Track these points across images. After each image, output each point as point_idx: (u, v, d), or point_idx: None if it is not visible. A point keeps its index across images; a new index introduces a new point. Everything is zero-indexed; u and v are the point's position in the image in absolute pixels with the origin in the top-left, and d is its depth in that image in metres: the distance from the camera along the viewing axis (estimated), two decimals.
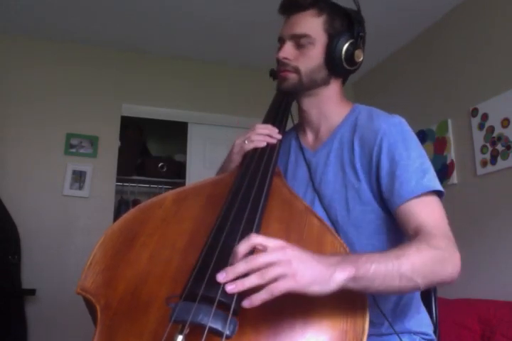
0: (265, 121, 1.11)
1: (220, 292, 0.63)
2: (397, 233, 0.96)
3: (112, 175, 3.16)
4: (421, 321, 1.03)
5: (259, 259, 0.63)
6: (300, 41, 1.03)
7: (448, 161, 2.66)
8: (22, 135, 2.98)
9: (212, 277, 0.64)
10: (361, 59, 1.06)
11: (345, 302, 0.71)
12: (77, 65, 3.21)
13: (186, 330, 0.61)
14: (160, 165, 3.69)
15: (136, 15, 2.89)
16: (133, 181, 3.68)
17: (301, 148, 1.12)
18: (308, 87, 1.06)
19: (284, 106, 1.13)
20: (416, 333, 0.99)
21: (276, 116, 1.12)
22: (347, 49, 1.02)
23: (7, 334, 2.52)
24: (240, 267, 0.62)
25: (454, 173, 2.61)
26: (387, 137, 0.97)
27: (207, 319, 0.60)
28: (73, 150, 3.06)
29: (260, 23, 2.94)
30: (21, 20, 2.95)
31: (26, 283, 2.74)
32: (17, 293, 2.68)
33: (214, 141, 3.38)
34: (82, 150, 3.08)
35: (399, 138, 0.97)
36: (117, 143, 3.23)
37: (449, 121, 2.71)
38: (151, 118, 3.41)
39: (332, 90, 1.09)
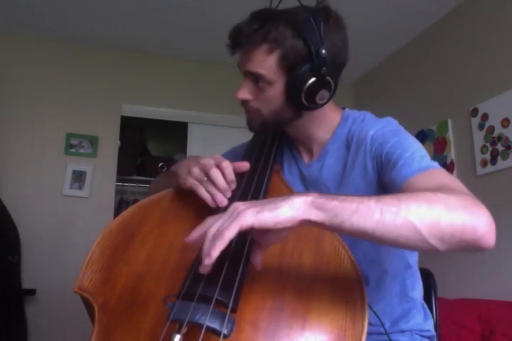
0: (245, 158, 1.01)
1: (217, 291, 0.63)
2: None
3: (112, 175, 3.16)
4: (422, 319, 1.02)
5: (212, 228, 0.63)
6: (256, 79, 0.90)
7: (448, 161, 2.66)
8: (22, 135, 2.98)
9: (209, 276, 0.64)
10: (325, 100, 0.92)
11: (345, 300, 0.71)
12: (77, 64, 3.20)
13: (184, 329, 0.61)
14: (160, 165, 3.68)
15: (136, 15, 2.89)
16: (133, 181, 3.67)
17: (295, 158, 1.07)
18: (277, 125, 0.97)
19: (269, 143, 1.06)
20: (416, 330, 0.99)
21: (253, 154, 1.03)
22: (307, 91, 0.88)
23: (7, 334, 2.52)
24: (206, 244, 0.62)
25: (454, 173, 2.60)
26: (374, 140, 0.92)
27: (204, 318, 0.60)
28: (73, 150, 3.06)
29: None
30: (21, 20, 2.95)
31: (26, 283, 2.74)
32: (17, 293, 2.68)
33: (214, 141, 3.38)
34: (82, 150, 3.08)
35: (388, 135, 0.92)
36: (117, 143, 3.23)
37: (449, 121, 2.71)
38: (151, 118, 3.41)
39: (310, 117, 0.98)
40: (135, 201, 3.67)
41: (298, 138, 1.04)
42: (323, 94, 0.90)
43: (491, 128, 2.39)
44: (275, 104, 0.92)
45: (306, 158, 1.06)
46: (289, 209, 0.61)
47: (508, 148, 2.28)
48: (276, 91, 0.90)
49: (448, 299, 2.18)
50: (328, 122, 1.01)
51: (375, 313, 0.87)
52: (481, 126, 2.47)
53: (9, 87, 3.01)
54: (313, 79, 0.87)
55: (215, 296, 0.63)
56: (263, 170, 0.93)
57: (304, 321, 0.67)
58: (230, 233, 0.60)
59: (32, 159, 2.97)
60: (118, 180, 3.28)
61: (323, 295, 0.70)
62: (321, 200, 0.62)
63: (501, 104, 2.36)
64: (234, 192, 0.87)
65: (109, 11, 2.84)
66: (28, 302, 2.73)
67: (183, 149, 3.59)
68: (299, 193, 0.65)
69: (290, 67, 0.88)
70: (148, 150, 3.98)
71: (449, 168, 2.64)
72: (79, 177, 3.03)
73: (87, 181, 3.04)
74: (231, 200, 0.84)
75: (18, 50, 3.10)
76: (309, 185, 1.03)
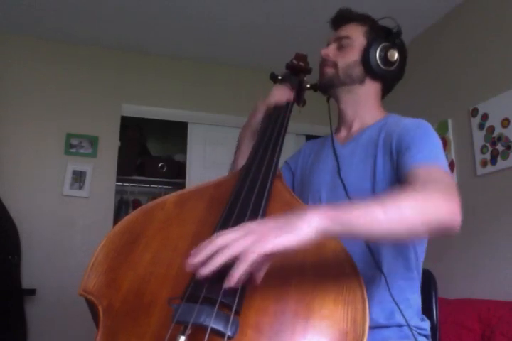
0: (262, 134, 1.12)
1: (221, 293, 0.63)
2: None
3: (112, 175, 3.15)
4: (418, 320, 1.02)
5: (220, 240, 0.63)
6: (342, 42, 1.16)
7: (448, 161, 2.66)
8: (22, 135, 2.98)
9: (214, 279, 0.64)
10: (395, 58, 1.18)
11: (346, 303, 0.71)
12: (77, 64, 3.20)
13: (188, 331, 0.61)
14: (160, 165, 3.69)
15: (137, 15, 2.89)
16: (133, 181, 3.68)
17: (333, 142, 1.20)
18: (343, 81, 1.15)
19: (282, 116, 1.15)
20: (413, 326, 0.99)
21: (274, 126, 1.13)
22: (382, 48, 1.14)
23: (7, 335, 2.52)
24: (206, 249, 0.62)
25: (454, 173, 2.60)
26: (407, 128, 1.04)
27: (209, 320, 0.61)
28: (73, 150, 3.06)
29: (260, 24, 2.94)
30: (21, 20, 2.95)
31: (26, 283, 2.74)
32: (17, 293, 2.68)
33: (214, 141, 3.38)
34: (82, 150, 3.08)
35: (419, 130, 1.03)
36: (117, 143, 3.23)
37: (449, 121, 2.71)
38: (151, 118, 3.41)
39: (368, 91, 1.17)
40: (135, 201, 3.68)
41: (347, 114, 1.19)
42: (393, 53, 1.17)
43: (491, 128, 2.39)
44: (350, 59, 1.14)
45: (341, 141, 1.19)
46: (308, 228, 0.63)
47: (508, 148, 2.28)
48: (355, 51, 1.15)
49: (448, 299, 2.18)
50: (379, 110, 1.19)
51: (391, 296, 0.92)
52: (481, 126, 2.47)
53: (9, 87, 3.01)
54: (386, 43, 1.16)
55: (220, 298, 0.63)
56: (265, 175, 0.93)
57: (306, 324, 0.68)
58: (251, 259, 0.60)
59: (32, 159, 2.97)
60: (118, 180, 3.28)
61: (324, 298, 0.71)
62: (335, 213, 0.65)
63: (501, 104, 2.36)
64: (236, 197, 0.87)
65: (109, 11, 2.84)
66: (28, 302, 2.73)
67: (183, 149, 3.59)
68: (310, 208, 0.66)
69: (372, 37, 1.16)
70: (148, 150, 3.98)
71: (449, 168, 2.64)
72: (79, 177, 3.03)
73: (87, 181, 3.04)
74: (233, 206, 0.84)
75: (18, 50, 3.10)
76: (342, 164, 1.12)
